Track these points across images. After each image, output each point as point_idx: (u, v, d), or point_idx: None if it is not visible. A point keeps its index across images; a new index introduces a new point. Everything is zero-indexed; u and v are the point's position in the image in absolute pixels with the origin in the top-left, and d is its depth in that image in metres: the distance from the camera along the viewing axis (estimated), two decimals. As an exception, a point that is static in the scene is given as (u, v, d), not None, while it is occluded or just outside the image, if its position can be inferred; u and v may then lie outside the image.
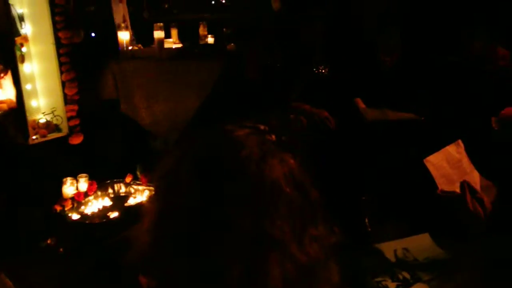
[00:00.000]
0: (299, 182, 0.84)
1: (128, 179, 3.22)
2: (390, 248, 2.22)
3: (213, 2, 5.92)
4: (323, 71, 2.68)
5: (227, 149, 0.85)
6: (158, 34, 4.04)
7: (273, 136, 0.87)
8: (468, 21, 2.95)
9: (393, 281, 2.03)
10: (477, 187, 2.13)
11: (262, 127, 0.89)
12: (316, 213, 0.86)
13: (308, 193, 0.85)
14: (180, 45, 4.42)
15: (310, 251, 0.82)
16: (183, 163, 0.86)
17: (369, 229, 2.18)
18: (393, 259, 2.18)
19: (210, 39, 4.51)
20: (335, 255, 0.89)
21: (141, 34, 4.42)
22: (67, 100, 3.63)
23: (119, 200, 3.10)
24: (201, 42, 4.49)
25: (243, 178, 0.81)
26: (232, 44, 4.15)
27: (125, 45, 4.03)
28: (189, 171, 0.85)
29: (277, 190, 0.81)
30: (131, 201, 3.07)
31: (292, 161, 0.85)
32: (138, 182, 3.20)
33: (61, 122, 3.64)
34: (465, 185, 1.73)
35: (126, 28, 4.12)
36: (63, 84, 3.61)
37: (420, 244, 2.23)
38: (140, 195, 3.10)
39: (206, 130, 0.92)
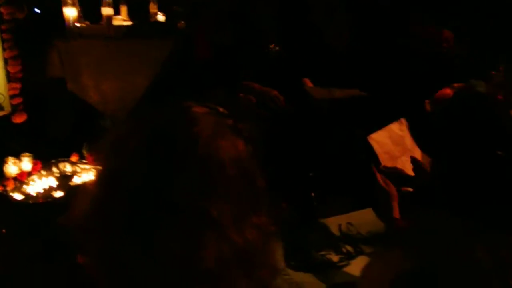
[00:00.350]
0: (245, 169, 0.85)
1: (74, 158, 3.15)
2: (335, 223, 2.28)
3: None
4: (274, 50, 2.69)
5: (181, 122, 0.85)
6: (107, 11, 3.93)
7: (230, 121, 0.88)
8: (415, 5, 3.02)
9: (336, 254, 2.09)
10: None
11: (221, 109, 0.90)
12: (259, 202, 0.87)
13: (253, 181, 0.86)
14: (129, 23, 4.32)
15: (248, 236, 0.83)
16: (133, 136, 0.85)
17: (315, 204, 2.22)
18: (337, 233, 2.23)
19: (161, 17, 4.43)
20: (276, 240, 0.91)
21: (89, 11, 4.29)
22: (10, 78, 3.51)
23: (64, 180, 3.02)
24: (151, 20, 4.40)
25: (191, 154, 0.81)
26: (183, 22, 4.09)
27: (71, 22, 3.91)
28: (140, 139, 0.84)
29: (222, 172, 0.82)
30: (77, 180, 3.01)
31: (242, 147, 0.86)
32: (84, 161, 3.13)
33: (3, 100, 3.52)
34: (373, 167, 1.80)
35: (73, 4, 3.99)
36: (6, 62, 3.48)
37: (364, 219, 2.29)
38: (86, 174, 3.03)
39: (160, 106, 0.92)
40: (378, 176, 1.77)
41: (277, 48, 2.81)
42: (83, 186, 0.93)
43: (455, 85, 2.32)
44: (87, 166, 3.08)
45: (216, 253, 0.79)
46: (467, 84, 2.42)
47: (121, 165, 0.85)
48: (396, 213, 1.67)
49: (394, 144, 2.32)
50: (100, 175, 0.89)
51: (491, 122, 1.30)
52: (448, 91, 2.13)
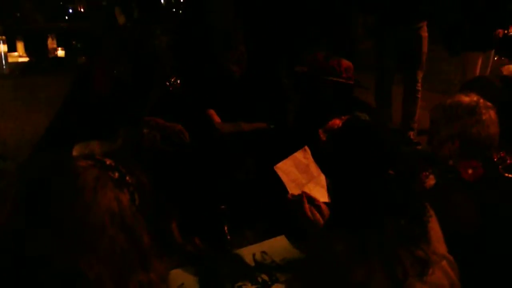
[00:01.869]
0: (128, 225, 0.82)
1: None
2: (249, 253, 2.30)
3: (70, 11, 5.65)
4: (175, 83, 2.69)
5: (60, 176, 0.82)
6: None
7: (116, 174, 0.85)
8: (309, 34, 3.17)
9: (252, 284, 2.10)
10: (324, 189, 2.30)
11: (108, 161, 0.87)
12: (146, 259, 0.85)
13: (137, 237, 0.84)
14: (26, 59, 4.16)
15: None
16: (12, 190, 0.82)
17: (229, 237, 2.23)
18: (252, 263, 2.26)
19: (60, 52, 4.31)
20: None
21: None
22: None
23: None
24: (50, 56, 4.27)
25: (67, 210, 0.78)
26: (83, 57, 4.01)
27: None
28: (17, 192, 0.81)
29: (100, 230, 0.79)
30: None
31: (126, 202, 0.83)
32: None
33: None
34: (303, 195, 1.87)
35: (-37, 42, 3.79)
36: None
37: (277, 246, 2.33)
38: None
39: (48, 155, 0.89)
40: (306, 207, 1.81)
41: (178, 81, 2.82)
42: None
43: (343, 117, 2.47)
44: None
45: None
46: (352, 115, 2.58)
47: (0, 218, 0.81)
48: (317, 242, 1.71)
49: (300, 172, 2.41)
50: None
51: (375, 145, 1.41)
52: (337, 121, 2.26)
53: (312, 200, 1.88)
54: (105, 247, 0.79)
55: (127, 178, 0.86)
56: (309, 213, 1.79)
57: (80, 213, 0.78)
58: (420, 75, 5.06)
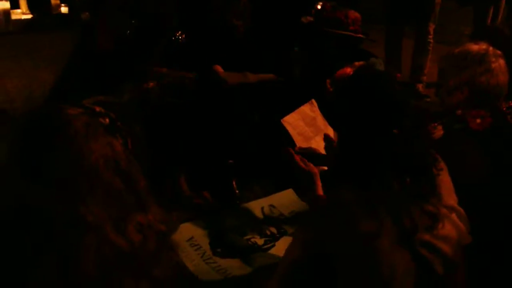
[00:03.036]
0: (123, 169, 0.84)
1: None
2: (257, 206, 2.32)
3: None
4: (180, 38, 2.65)
5: (52, 125, 0.83)
6: (3, 4, 3.73)
7: (107, 119, 0.86)
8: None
9: (261, 237, 2.13)
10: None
11: (98, 109, 0.87)
12: (142, 201, 0.86)
13: (133, 180, 0.85)
14: (30, 16, 4.11)
15: (133, 237, 0.82)
16: (6, 141, 0.83)
17: (237, 191, 2.25)
18: (260, 216, 2.28)
19: (64, 9, 4.25)
20: (169, 242, 0.91)
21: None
22: None
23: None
24: (54, 12, 4.21)
25: (61, 157, 0.79)
26: (87, 13, 3.95)
27: (-35, 18, 3.67)
28: (12, 144, 0.82)
29: (95, 174, 0.80)
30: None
31: (120, 147, 0.85)
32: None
33: None
34: (290, 150, 1.85)
35: (-34, -1, 3.74)
36: None
37: (285, 200, 2.35)
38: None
39: (38, 107, 0.90)
40: (297, 157, 1.80)
41: (183, 35, 2.77)
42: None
43: (356, 63, 2.42)
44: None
45: (96, 257, 0.78)
46: (366, 62, 2.53)
47: None
48: (320, 191, 1.71)
49: (307, 125, 2.40)
50: None
51: (386, 99, 1.37)
52: (348, 70, 2.22)
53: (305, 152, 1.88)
54: (102, 191, 0.81)
55: (118, 123, 0.87)
56: (301, 163, 1.79)
57: (74, 159, 0.80)
58: (432, 27, 4.95)
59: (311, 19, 2.89)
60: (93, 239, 0.78)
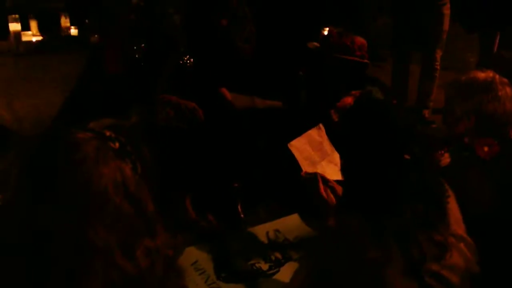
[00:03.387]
0: (132, 193, 0.84)
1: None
2: (262, 231, 2.31)
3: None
4: (188, 62, 2.67)
5: (61, 150, 0.83)
6: (14, 26, 3.78)
7: (117, 144, 0.86)
8: (324, 11, 3.12)
9: (266, 262, 2.11)
10: (338, 167, 2.29)
11: (108, 133, 0.87)
12: (151, 225, 0.86)
13: (142, 205, 0.85)
14: (40, 38, 4.17)
15: (141, 262, 0.82)
16: (16, 165, 0.83)
17: (242, 215, 2.24)
18: (265, 241, 2.27)
19: (73, 31, 4.31)
20: (176, 267, 0.91)
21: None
22: None
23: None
24: (63, 34, 4.27)
25: (71, 182, 0.79)
26: (96, 36, 4.00)
27: (-24, 39, 3.72)
28: (21, 169, 0.82)
29: (105, 199, 0.80)
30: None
31: (129, 171, 0.84)
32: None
33: None
34: (318, 176, 1.86)
35: (-23, 21, 3.80)
36: None
37: (290, 225, 2.34)
38: None
39: (47, 130, 0.90)
40: (321, 187, 1.80)
41: (191, 59, 2.80)
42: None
43: (352, 92, 2.43)
44: None
45: (104, 281, 0.78)
46: (364, 90, 2.55)
47: (6, 195, 0.83)
48: (332, 223, 1.71)
49: (313, 149, 2.40)
50: None
51: (389, 126, 1.38)
52: (349, 100, 2.24)
53: (326, 180, 1.87)
54: (111, 215, 0.81)
55: (128, 148, 0.87)
56: (323, 192, 1.79)
57: (84, 184, 0.80)
58: (439, 54, 4.97)
59: (317, 44, 2.91)
60: (101, 263, 0.78)
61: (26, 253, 0.78)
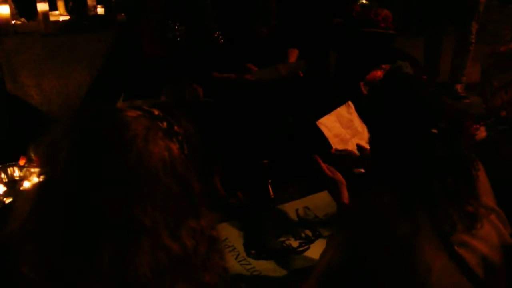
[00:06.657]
0: (180, 174, 0.83)
1: (22, 162, 3.03)
2: (292, 208, 2.31)
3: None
4: (218, 40, 2.64)
5: (111, 128, 0.82)
6: (42, 6, 3.78)
7: (165, 124, 0.85)
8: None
9: (296, 239, 2.11)
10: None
11: (156, 112, 0.87)
12: (197, 206, 0.86)
13: (189, 185, 0.84)
14: (67, 17, 4.18)
15: (186, 243, 0.82)
16: (66, 137, 0.83)
17: (272, 192, 2.23)
18: (295, 218, 2.26)
19: (100, 10, 4.31)
20: (219, 248, 0.90)
21: (24, 7, 4.11)
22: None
23: (13, 185, 2.92)
24: (90, 14, 4.27)
25: (121, 160, 0.79)
26: (123, 14, 3.99)
27: (5, 20, 3.74)
28: (70, 145, 0.82)
29: (154, 178, 0.80)
30: (26, 185, 2.91)
31: (177, 151, 0.84)
32: (32, 164, 3.03)
33: None
34: (317, 158, 1.81)
35: (6, 1, 3.82)
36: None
37: (320, 202, 2.33)
38: (36, 177, 2.93)
39: (97, 106, 0.90)
40: (323, 166, 1.79)
41: (221, 38, 2.76)
42: (22, 193, 0.90)
43: (382, 66, 2.37)
44: (35, 169, 2.98)
45: (151, 260, 0.78)
46: (393, 65, 2.49)
47: (54, 172, 0.82)
48: (345, 198, 1.70)
49: (343, 127, 2.36)
50: (37, 183, 0.87)
51: (418, 101, 1.36)
52: (378, 73, 2.18)
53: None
54: (159, 195, 0.80)
55: (176, 127, 0.86)
56: (327, 170, 1.77)
57: (133, 162, 0.79)
58: (475, 27, 4.80)
59: (341, 20, 2.85)
60: (149, 243, 0.78)
61: (72, 229, 0.78)
